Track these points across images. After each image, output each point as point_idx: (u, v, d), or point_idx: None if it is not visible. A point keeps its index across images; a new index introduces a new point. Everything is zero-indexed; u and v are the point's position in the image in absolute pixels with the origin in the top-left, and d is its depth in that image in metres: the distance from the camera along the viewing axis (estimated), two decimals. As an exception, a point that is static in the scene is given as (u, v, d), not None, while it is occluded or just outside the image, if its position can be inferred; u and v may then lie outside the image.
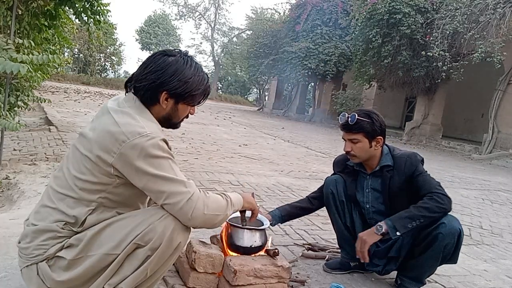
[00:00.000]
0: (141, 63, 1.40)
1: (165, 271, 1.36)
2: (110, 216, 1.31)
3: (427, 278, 2.05)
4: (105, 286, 1.25)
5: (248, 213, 1.83)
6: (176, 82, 1.32)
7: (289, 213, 2.20)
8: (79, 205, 1.28)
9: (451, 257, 1.89)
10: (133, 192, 1.31)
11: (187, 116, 1.46)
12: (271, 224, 2.11)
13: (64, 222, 1.27)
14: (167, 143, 1.28)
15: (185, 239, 1.32)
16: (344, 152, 2.02)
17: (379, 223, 1.86)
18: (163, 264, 1.29)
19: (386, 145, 2.03)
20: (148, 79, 1.32)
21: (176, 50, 1.39)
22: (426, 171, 1.96)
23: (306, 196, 2.30)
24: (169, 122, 1.41)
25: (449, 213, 1.89)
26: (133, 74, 1.39)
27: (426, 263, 1.90)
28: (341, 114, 1.98)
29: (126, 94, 1.40)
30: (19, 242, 1.32)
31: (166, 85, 1.32)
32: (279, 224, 2.22)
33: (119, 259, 1.24)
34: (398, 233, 1.82)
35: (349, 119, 1.91)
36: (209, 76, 1.47)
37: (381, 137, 1.95)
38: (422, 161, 1.99)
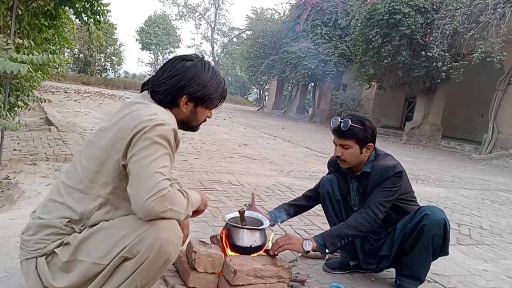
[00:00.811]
0: (159, 67, 1.44)
1: (157, 279, 1.33)
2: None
3: (427, 278, 2.05)
4: None
5: (247, 213, 1.83)
6: (196, 86, 1.37)
7: (288, 212, 2.20)
8: (86, 200, 1.28)
9: (442, 249, 1.92)
10: None
11: (205, 120, 1.49)
12: (270, 225, 2.11)
13: (68, 219, 1.28)
14: (175, 134, 1.29)
15: (176, 248, 1.27)
16: (335, 156, 2.02)
17: (308, 240, 1.84)
18: (153, 274, 1.27)
19: (376, 150, 2.02)
20: (169, 84, 1.35)
21: (193, 55, 1.45)
22: (394, 187, 1.90)
23: (302, 195, 2.31)
24: (188, 125, 1.46)
25: (433, 205, 1.97)
26: (150, 78, 1.44)
27: (418, 258, 1.92)
28: (333, 118, 1.97)
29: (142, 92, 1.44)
30: (23, 233, 1.33)
31: (186, 89, 1.36)
32: (279, 223, 2.22)
33: (108, 270, 1.22)
34: (327, 250, 1.86)
35: (342, 124, 1.90)
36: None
37: (371, 144, 1.96)
38: (399, 173, 1.90)
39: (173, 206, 1.21)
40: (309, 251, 1.84)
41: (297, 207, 2.25)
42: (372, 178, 1.94)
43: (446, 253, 1.97)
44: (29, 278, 1.30)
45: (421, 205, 2.00)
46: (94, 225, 1.28)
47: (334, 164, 2.18)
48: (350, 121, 1.89)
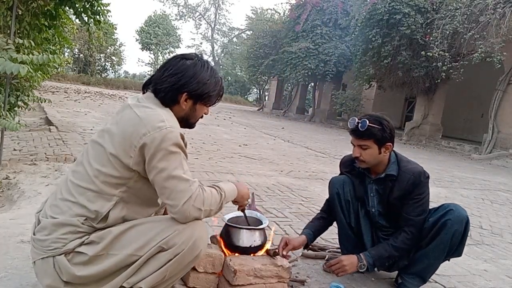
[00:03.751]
0: (159, 66, 1.48)
1: (183, 274, 1.41)
2: (132, 216, 1.35)
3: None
4: (124, 284, 1.28)
5: (247, 212, 1.83)
6: (196, 84, 1.41)
7: (317, 228, 2.18)
8: (99, 199, 1.30)
9: (457, 248, 1.92)
10: (152, 188, 1.34)
11: (201, 116, 1.54)
12: (305, 247, 2.13)
13: (85, 217, 1.29)
14: (183, 138, 1.33)
15: (205, 247, 1.39)
16: (353, 156, 1.99)
17: (363, 262, 1.91)
18: (182, 268, 1.34)
19: (394, 151, 2.01)
20: (170, 82, 1.39)
21: (193, 54, 1.48)
22: (424, 194, 1.93)
23: (320, 210, 2.28)
24: (187, 122, 1.49)
25: (456, 203, 1.97)
26: (151, 77, 1.47)
27: (432, 254, 1.91)
28: (351, 118, 1.94)
29: (144, 93, 1.47)
30: (34, 234, 1.34)
31: (187, 87, 1.40)
32: (311, 238, 2.17)
33: (141, 260, 1.27)
34: (376, 269, 2.01)
35: (360, 125, 1.87)
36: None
37: (390, 144, 1.93)
38: (428, 177, 1.93)
39: (206, 207, 1.32)
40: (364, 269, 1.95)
41: (322, 220, 2.21)
42: (402, 182, 1.91)
43: (460, 254, 1.96)
44: (46, 277, 1.30)
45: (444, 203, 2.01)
46: (114, 224, 1.31)
47: (347, 165, 2.14)
48: (367, 122, 1.86)
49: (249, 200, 1.68)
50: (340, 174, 2.19)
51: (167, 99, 1.40)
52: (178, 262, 1.30)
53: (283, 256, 1.82)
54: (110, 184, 1.31)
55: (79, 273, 1.26)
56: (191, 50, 44.48)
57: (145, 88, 1.48)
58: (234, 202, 1.60)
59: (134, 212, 1.37)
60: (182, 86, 1.39)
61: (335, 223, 2.24)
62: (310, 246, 2.40)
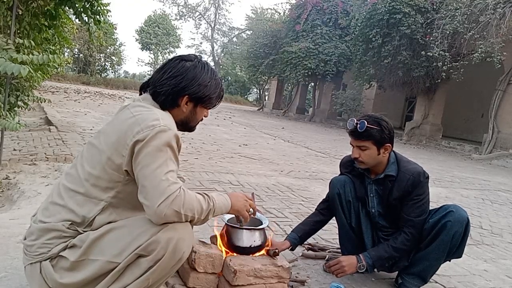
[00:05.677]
0: (158, 68, 1.44)
1: (169, 277, 1.35)
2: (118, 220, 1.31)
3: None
4: None
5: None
6: (197, 87, 1.38)
7: (305, 232, 2.17)
8: (88, 203, 1.28)
9: (457, 249, 1.92)
10: None
11: (201, 119, 1.51)
12: (291, 249, 2.11)
13: (70, 222, 1.27)
14: (177, 140, 1.28)
15: (189, 248, 1.31)
16: (352, 157, 2.00)
17: (362, 263, 1.92)
18: (167, 273, 1.28)
19: (394, 151, 2.01)
20: (170, 84, 1.36)
21: (192, 55, 1.45)
22: (424, 194, 1.93)
23: (315, 209, 2.27)
24: (187, 125, 1.47)
25: (456, 204, 1.98)
26: (149, 79, 1.44)
27: (433, 255, 1.91)
28: (350, 119, 1.94)
29: (141, 95, 1.44)
30: (25, 239, 1.33)
31: (188, 89, 1.37)
32: (296, 242, 2.16)
33: (120, 267, 1.23)
34: (375, 270, 2.03)
35: (358, 126, 1.87)
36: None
37: (389, 145, 1.93)
38: (427, 178, 1.93)
39: (187, 211, 1.23)
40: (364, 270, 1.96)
41: (313, 223, 2.20)
42: (401, 183, 1.91)
43: (460, 255, 1.96)
44: (34, 283, 1.29)
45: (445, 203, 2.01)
46: (99, 228, 1.28)
47: (347, 165, 2.14)
48: (366, 123, 1.86)
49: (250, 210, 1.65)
50: (340, 175, 2.20)
51: (168, 102, 1.37)
52: (161, 268, 1.23)
53: (273, 255, 1.80)
54: (99, 187, 1.27)
55: (61, 280, 1.24)
56: (191, 50, 44.51)
57: (142, 90, 1.45)
58: (238, 219, 1.58)
59: (125, 217, 1.31)
60: (183, 88, 1.36)
61: (334, 223, 2.25)
62: (310, 247, 2.41)
